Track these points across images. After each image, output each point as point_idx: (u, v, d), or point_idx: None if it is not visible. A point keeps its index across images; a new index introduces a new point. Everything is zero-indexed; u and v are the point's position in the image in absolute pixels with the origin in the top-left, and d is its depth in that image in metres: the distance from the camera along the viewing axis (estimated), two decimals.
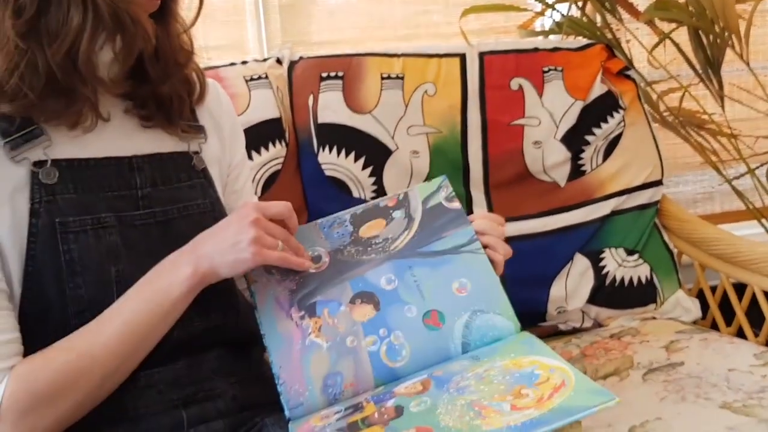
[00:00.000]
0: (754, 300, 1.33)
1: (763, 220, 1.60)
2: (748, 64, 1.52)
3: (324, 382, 0.79)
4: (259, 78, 1.35)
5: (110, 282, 0.78)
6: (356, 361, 0.80)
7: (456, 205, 0.90)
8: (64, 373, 0.73)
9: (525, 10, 1.57)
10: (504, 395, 0.70)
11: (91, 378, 0.75)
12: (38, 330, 0.76)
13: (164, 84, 0.86)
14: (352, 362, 0.80)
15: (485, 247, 0.87)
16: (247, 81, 1.34)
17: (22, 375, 0.73)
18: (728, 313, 1.41)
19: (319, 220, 0.91)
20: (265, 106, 1.33)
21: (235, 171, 0.98)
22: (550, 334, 1.39)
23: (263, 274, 0.86)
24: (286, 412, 0.78)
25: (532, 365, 0.74)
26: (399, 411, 0.73)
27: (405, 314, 0.83)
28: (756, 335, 1.33)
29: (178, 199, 0.86)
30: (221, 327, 0.85)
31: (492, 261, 0.86)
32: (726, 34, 1.52)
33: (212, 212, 0.88)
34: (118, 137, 0.84)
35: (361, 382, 0.80)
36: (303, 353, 0.81)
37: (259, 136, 1.31)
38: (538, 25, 1.73)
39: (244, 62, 1.38)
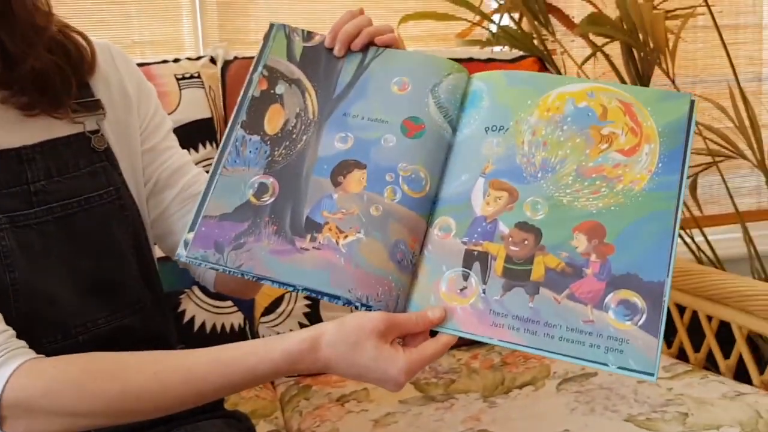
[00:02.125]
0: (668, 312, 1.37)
1: (686, 232, 1.66)
2: (673, 81, 1.57)
3: (394, 261, 0.73)
4: (191, 77, 1.34)
5: (6, 291, 0.74)
6: (396, 219, 0.74)
7: (318, 38, 0.83)
8: (96, 404, 0.70)
9: (462, 19, 1.59)
10: (593, 146, 0.74)
11: (125, 417, 0.72)
12: None
13: (29, 56, 0.76)
14: (395, 223, 0.74)
15: (373, 43, 0.83)
16: (178, 80, 1.32)
17: (42, 377, 0.69)
18: None
19: (220, 163, 0.78)
20: (196, 106, 1.32)
21: (150, 127, 0.90)
22: (475, 341, 1.41)
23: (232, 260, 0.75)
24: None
25: (562, 100, 0.76)
26: (527, 227, 0.72)
27: (388, 146, 0.77)
28: (669, 346, 1.38)
29: (79, 191, 0.80)
30: (128, 326, 0.83)
31: (392, 44, 0.83)
32: (655, 51, 1.57)
33: (117, 200, 0.83)
34: (0, 130, 0.77)
35: (415, 230, 0.75)
36: (351, 260, 0.73)
37: (189, 136, 1.29)
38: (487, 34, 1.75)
39: (176, 60, 1.37)
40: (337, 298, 0.72)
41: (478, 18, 1.62)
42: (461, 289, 0.71)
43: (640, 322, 0.66)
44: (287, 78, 0.82)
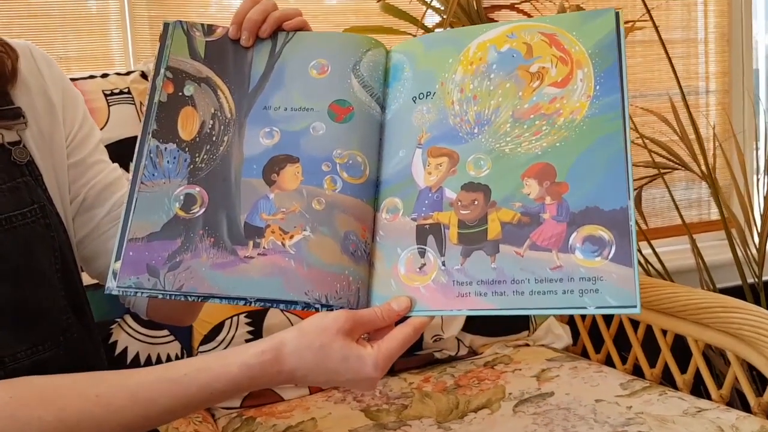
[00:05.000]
0: (621, 327, 1.36)
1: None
2: None
3: (347, 254, 0.68)
4: (120, 93, 1.26)
5: None
6: (342, 209, 0.69)
7: (221, 31, 0.78)
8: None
9: (405, 33, 1.56)
10: (525, 87, 0.71)
11: None
12: None
13: None
14: (341, 214, 0.69)
15: (281, 29, 0.77)
16: (106, 95, 1.25)
17: None
18: (597, 339, 1.43)
19: (137, 179, 0.71)
20: (126, 123, 1.25)
21: (77, 138, 0.83)
22: (426, 363, 1.36)
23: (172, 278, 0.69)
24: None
25: (483, 50, 0.73)
26: (474, 187, 0.68)
27: (318, 135, 0.72)
28: (624, 361, 1.35)
29: None
30: (53, 359, 0.75)
31: (302, 27, 0.78)
32: None
33: (42, 219, 0.75)
34: None
35: (363, 218, 0.70)
36: (302, 261, 0.67)
37: (118, 154, 1.20)
38: None
39: (104, 75, 1.29)
40: (295, 303, 0.67)
41: (420, 32, 1.58)
42: (420, 267, 0.67)
43: (611, 255, 0.62)
44: (194, 77, 0.75)
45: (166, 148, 0.72)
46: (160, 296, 0.68)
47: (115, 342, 1.18)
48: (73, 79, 1.23)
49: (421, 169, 0.71)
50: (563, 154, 0.66)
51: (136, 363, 1.19)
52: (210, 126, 0.74)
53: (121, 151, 1.21)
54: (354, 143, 0.72)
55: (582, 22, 0.71)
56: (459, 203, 0.68)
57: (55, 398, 0.63)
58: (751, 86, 2.13)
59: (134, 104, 1.26)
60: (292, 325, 1.26)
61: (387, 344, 0.65)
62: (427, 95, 0.74)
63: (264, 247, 0.68)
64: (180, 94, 0.75)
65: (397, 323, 0.68)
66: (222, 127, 0.74)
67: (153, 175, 0.71)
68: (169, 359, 1.21)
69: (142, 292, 0.67)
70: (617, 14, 0.70)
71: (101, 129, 1.20)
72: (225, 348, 1.24)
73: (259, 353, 0.64)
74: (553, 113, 0.69)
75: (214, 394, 0.65)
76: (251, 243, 0.69)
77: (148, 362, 1.20)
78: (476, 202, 0.68)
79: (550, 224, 0.65)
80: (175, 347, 1.22)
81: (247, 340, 1.24)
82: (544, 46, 0.71)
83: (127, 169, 1.22)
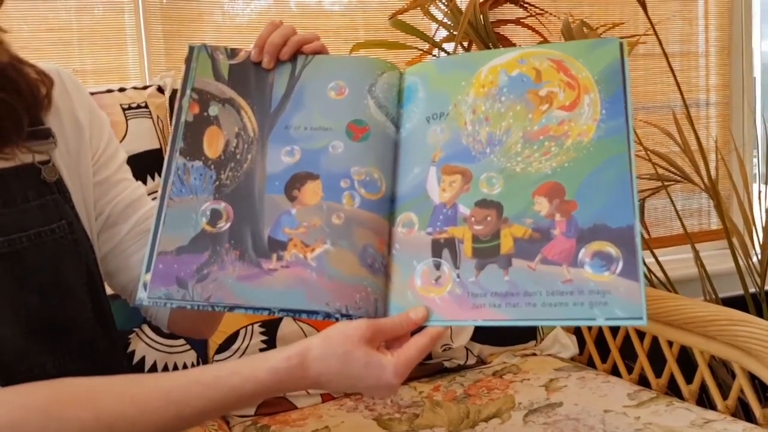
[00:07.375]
0: (627, 337, 1.38)
1: None
2: None
3: (365, 267, 0.72)
4: (138, 107, 1.29)
5: None
6: (360, 224, 0.73)
7: (243, 54, 0.81)
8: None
9: (413, 48, 1.58)
10: (534, 110, 0.73)
11: None
12: None
13: None
14: (359, 228, 0.73)
15: (301, 52, 0.81)
16: (124, 109, 1.27)
17: (6, 406, 0.63)
18: (603, 349, 1.46)
19: (165, 195, 0.74)
20: (144, 137, 1.27)
21: (102, 158, 0.86)
22: (436, 372, 1.39)
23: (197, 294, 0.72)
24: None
25: (495, 74, 0.76)
26: (487, 204, 0.71)
27: (337, 153, 0.76)
28: (629, 370, 1.38)
29: (27, 225, 0.75)
30: (79, 370, 0.75)
31: (320, 51, 0.81)
32: None
33: (70, 234, 0.78)
34: None
35: (379, 232, 0.74)
36: (323, 273, 0.71)
37: (137, 168, 1.23)
38: None
39: (122, 89, 1.31)
40: (316, 313, 0.70)
41: (428, 46, 1.61)
42: (436, 279, 0.71)
43: (618, 270, 0.66)
44: (219, 98, 0.79)
45: (192, 166, 0.76)
46: (189, 307, 0.71)
47: (133, 351, 1.21)
48: (91, 93, 1.26)
49: (435, 185, 0.74)
50: (572, 174, 0.70)
51: (153, 372, 1.21)
52: (234, 145, 0.77)
53: (139, 165, 1.24)
54: (371, 161, 0.76)
55: (588, 51, 0.75)
56: (472, 219, 0.72)
57: (94, 399, 0.66)
58: (751, 98, 2.16)
59: (151, 118, 1.29)
60: (305, 334, 1.29)
61: (405, 352, 0.69)
62: (440, 116, 0.77)
63: (287, 260, 0.72)
64: (205, 114, 0.78)
65: (413, 333, 0.71)
66: (245, 146, 0.77)
67: (181, 191, 0.75)
68: (185, 368, 1.24)
69: (172, 303, 0.71)
70: (621, 44, 0.75)
71: (119, 143, 1.23)
72: (239, 357, 1.26)
73: (286, 358, 0.68)
74: (562, 135, 0.72)
75: (243, 397, 0.68)
76: (275, 256, 0.72)
77: (165, 371, 1.22)
78: (489, 218, 0.71)
79: (560, 240, 0.68)
80: (191, 356, 1.25)
81: (261, 350, 1.27)
82: (552, 71, 0.75)
83: (145, 182, 1.25)
